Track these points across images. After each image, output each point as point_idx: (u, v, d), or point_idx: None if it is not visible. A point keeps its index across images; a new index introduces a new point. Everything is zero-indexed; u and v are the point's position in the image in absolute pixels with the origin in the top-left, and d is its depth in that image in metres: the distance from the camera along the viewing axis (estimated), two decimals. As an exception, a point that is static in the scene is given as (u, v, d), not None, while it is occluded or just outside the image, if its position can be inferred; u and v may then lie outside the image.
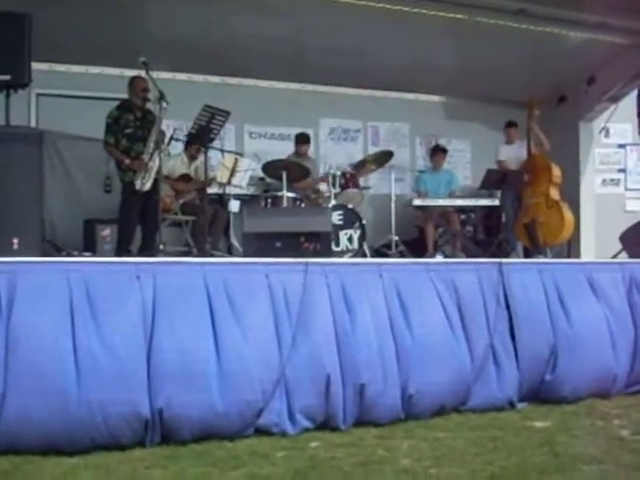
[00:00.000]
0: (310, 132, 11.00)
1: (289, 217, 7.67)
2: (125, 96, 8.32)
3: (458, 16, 9.31)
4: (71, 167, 9.65)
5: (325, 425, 5.51)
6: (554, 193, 9.71)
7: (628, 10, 9.41)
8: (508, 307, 6.35)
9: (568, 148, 11.21)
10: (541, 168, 9.75)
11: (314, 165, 10.41)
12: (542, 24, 9.74)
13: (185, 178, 9.16)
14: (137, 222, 8.17)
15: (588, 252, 11.29)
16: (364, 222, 9.41)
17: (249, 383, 5.20)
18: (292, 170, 9.24)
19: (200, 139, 8.22)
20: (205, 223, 8.16)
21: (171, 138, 9.02)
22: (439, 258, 9.24)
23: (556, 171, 9.77)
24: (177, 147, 9.44)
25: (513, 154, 10.34)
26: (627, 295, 6.93)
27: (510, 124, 10.70)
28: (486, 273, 6.41)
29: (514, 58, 10.31)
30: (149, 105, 8.14)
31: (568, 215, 9.68)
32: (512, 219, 9.98)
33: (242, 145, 10.90)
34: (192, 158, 9.50)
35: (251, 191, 9.98)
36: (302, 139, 10.41)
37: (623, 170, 12.86)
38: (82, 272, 5.15)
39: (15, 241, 6.24)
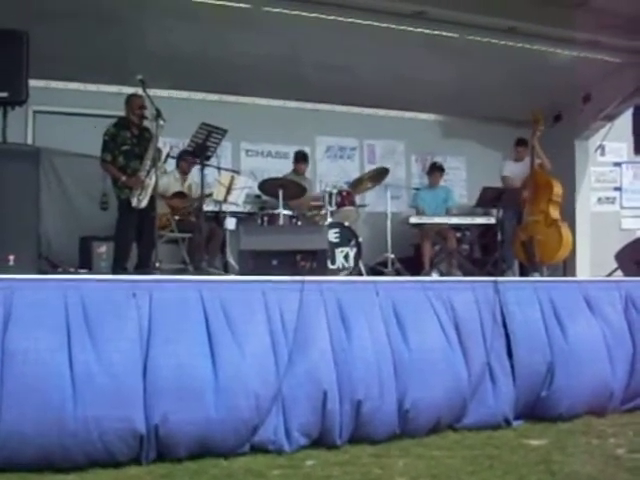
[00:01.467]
0: (307, 150, 11.02)
1: (285, 235, 7.67)
2: (122, 113, 8.34)
3: (453, 35, 9.35)
4: (68, 184, 9.67)
5: (321, 441, 5.50)
6: (554, 212, 9.68)
7: (620, 29, 9.46)
8: (505, 325, 6.36)
9: (564, 166, 11.22)
10: (542, 186, 9.72)
11: (310, 184, 10.41)
12: (535, 42, 9.79)
13: (180, 195, 9.17)
14: (133, 239, 8.17)
15: (583, 270, 11.31)
16: (360, 240, 9.40)
17: (245, 400, 5.19)
18: (288, 188, 9.24)
19: (196, 156, 8.25)
20: (201, 240, 8.17)
21: (167, 156, 9.03)
22: (435, 276, 9.25)
23: (557, 189, 9.72)
24: (173, 164, 9.46)
25: (519, 171, 10.23)
26: (624, 313, 6.93)
27: (520, 142, 10.60)
28: (482, 291, 6.42)
29: (509, 76, 10.36)
30: (146, 123, 8.16)
31: (566, 234, 9.66)
32: (511, 237, 9.98)
33: (239, 163, 10.92)
34: (184, 174, 9.52)
35: (247, 209, 9.98)
36: (301, 157, 10.42)
37: (619, 188, 12.90)
38: (78, 289, 5.15)
39: (11, 258, 6.25)
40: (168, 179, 9.19)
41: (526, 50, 9.75)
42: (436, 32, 9.29)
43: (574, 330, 6.53)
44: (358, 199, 10.33)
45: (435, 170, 10.97)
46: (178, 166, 9.51)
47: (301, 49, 9.65)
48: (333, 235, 9.24)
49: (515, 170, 10.37)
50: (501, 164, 10.72)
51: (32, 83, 7.09)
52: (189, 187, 9.50)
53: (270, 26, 8.99)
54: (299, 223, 9.32)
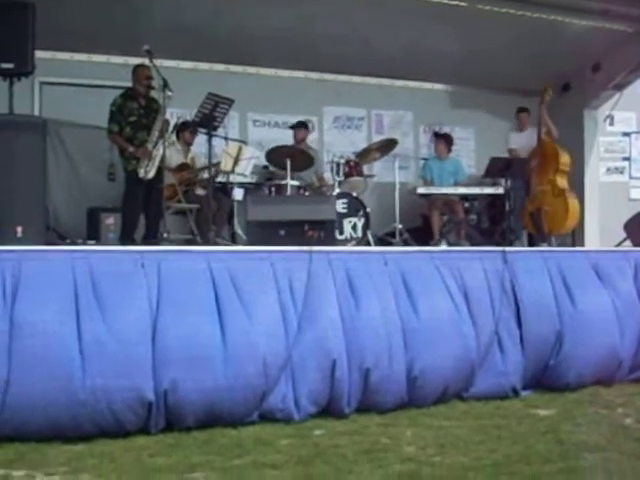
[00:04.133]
0: (314, 120, 11.01)
1: (293, 205, 7.67)
2: (128, 84, 8.31)
3: (461, 4, 9.28)
4: (75, 155, 9.64)
5: (329, 409, 5.53)
6: (561, 182, 9.63)
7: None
8: (514, 294, 6.35)
9: (573, 136, 11.15)
10: (549, 155, 9.67)
11: (316, 153, 10.35)
12: (545, 11, 9.70)
13: (184, 167, 9.13)
14: (141, 210, 8.17)
15: (592, 240, 11.28)
16: (368, 210, 9.39)
17: (254, 368, 5.22)
18: (296, 157, 9.21)
19: (201, 126, 8.22)
20: (209, 211, 8.15)
21: (175, 126, 9.01)
22: (444, 246, 9.23)
23: (564, 159, 9.67)
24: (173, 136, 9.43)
25: (525, 141, 10.23)
26: (634, 282, 6.93)
27: (522, 110, 10.64)
28: (491, 261, 6.42)
29: (518, 46, 10.27)
30: (153, 93, 8.13)
31: (573, 205, 9.60)
32: (519, 207, 9.95)
33: (246, 133, 10.86)
34: (187, 144, 9.48)
35: (255, 179, 9.95)
36: (297, 125, 10.36)
37: (627, 158, 12.82)
38: (87, 260, 5.17)
39: (19, 229, 6.25)
40: (169, 152, 9.09)
41: (536, 19, 9.66)
42: (446, 1, 9.21)
43: (583, 299, 6.54)
44: (366, 169, 10.29)
45: (438, 138, 10.90)
46: (179, 137, 9.46)
47: (309, 19, 9.57)
48: (341, 205, 9.23)
49: (521, 141, 10.36)
50: (507, 136, 10.71)
51: (38, 54, 7.04)
52: (192, 159, 9.47)
53: (277, -4, 8.96)
54: (307, 193, 9.31)
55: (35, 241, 5.99)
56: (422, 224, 10.75)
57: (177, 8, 9.00)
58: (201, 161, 9.41)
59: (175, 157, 9.14)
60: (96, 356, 4.84)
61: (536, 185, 9.72)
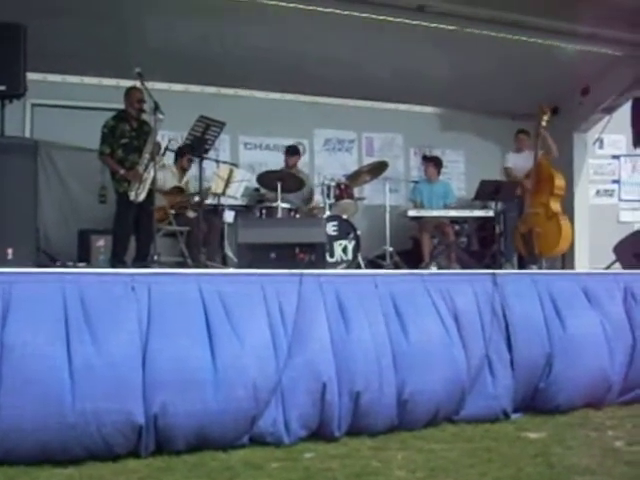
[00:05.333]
0: (305, 143, 11.05)
1: (284, 228, 7.69)
2: (120, 106, 8.33)
3: (451, 28, 9.34)
4: (66, 177, 9.66)
5: (319, 432, 5.51)
6: (555, 205, 9.60)
7: (621, 21, 9.45)
8: (504, 317, 6.36)
9: (562, 159, 11.16)
10: (544, 178, 9.64)
11: (307, 177, 10.37)
12: (535, 35, 9.78)
13: (177, 190, 9.14)
14: (132, 233, 8.17)
15: (582, 262, 11.31)
16: (359, 233, 9.40)
17: (244, 392, 5.18)
18: (287, 181, 9.23)
19: (196, 150, 8.24)
20: (200, 234, 8.16)
21: (166, 149, 9.03)
22: (434, 269, 9.24)
23: (559, 182, 9.64)
24: (171, 157, 9.45)
25: (522, 162, 10.18)
26: (623, 305, 6.94)
27: (520, 131, 10.67)
28: (481, 284, 6.42)
29: (508, 69, 10.35)
30: (144, 116, 8.15)
31: (566, 229, 9.56)
32: (512, 228, 9.95)
33: (237, 156, 10.89)
34: (183, 170, 9.50)
35: (246, 202, 9.97)
36: (291, 151, 10.38)
37: (617, 181, 12.91)
38: (77, 283, 5.15)
39: (9, 251, 6.25)
40: (164, 174, 9.11)
41: (524, 43, 9.73)
42: (436, 25, 9.27)
43: (573, 322, 6.53)
44: (356, 192, 10.32)
45: (428, 162, 10.97)
46: (176, 162, 9.48)
47: (300, 43, 9.62)
48: (331, 228, 9.25)
49: (518, 162, 10.35)
50: (504, 156, 10.75)
51: (30, 76, 7.08)
52: (186, 183, 9.49)
53: (268, 19, 8.98)
54: (297, 216, 9.33)
55: (25, 263, 5.98)
56: (412, 247, 10.77)
57: (168, 31, 9.05)
58: (195, 186, 9.43)
59: (170, 180, 9.17)
60: (86, 379, 4.81)
61: (529, 207, 9.71)
